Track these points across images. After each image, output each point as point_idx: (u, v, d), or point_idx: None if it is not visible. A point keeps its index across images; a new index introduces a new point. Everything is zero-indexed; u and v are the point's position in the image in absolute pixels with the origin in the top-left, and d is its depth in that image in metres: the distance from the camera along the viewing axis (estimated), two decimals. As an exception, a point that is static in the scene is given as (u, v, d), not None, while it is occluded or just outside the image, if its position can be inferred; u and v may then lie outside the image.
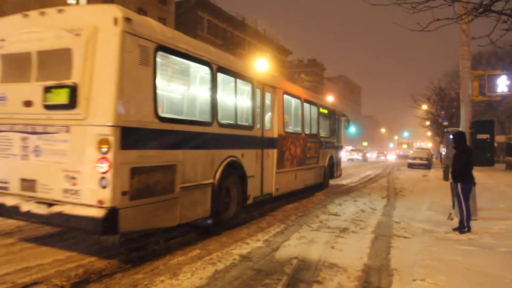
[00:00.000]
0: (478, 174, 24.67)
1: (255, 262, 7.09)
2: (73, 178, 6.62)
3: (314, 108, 15.27)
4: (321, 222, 10.52)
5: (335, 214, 11.68)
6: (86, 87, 6.52)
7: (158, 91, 7.12)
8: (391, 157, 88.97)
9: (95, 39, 6.60)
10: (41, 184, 6.95)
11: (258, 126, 10.71)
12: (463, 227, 9.66)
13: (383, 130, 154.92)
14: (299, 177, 13.61)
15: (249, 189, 10.24)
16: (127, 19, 6.62)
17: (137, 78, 6.73)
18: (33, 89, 6.95)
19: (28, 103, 7.01)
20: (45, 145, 6.93)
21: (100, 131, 6.37)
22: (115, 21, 6.52)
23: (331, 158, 17.50)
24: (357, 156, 62.64)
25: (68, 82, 6.61)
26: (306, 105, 14.44)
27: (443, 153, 34.89)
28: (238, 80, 9.80)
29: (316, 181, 15.89)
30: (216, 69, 8.86)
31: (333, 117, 17.96)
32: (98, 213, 6.28)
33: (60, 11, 7.12)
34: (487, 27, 7.35)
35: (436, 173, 31.24)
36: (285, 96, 12.41)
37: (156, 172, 7.07)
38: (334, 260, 7.24)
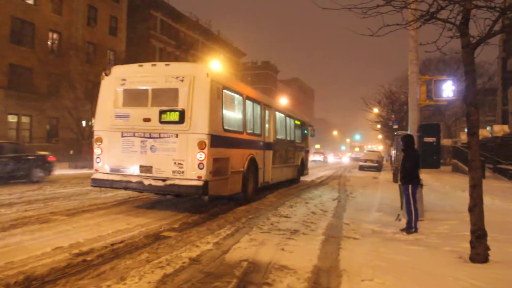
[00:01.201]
0: (426, 176, 25.41)
1: (204, 265, 7.05)
2: (180, 164, 10.92)
3: (292, 121, 20.00)
4: (271, 224, 10.53)
5: (286, 216, 11.74)
6: (189, 111, 10.96)
7: (223, 113, 11.72)
8: (346, 159, 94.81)
9: (193, 83, 11.04)
10: (155, 168, 11.15)
11: (266, 134, 15.52)
12: (410, 228, 9.89)
13: (335, 132, 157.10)
14: (283, 171, 18.21)
15: (259, 176, 14.85)
16: (212, 73, 11.18)
17: (215, 106, 11.21)
18: (150, 111, 11.29)
19: (147, 120, 11.28)
20: (159, 145, 11.15)
21: (199, 137, 10.84)
22: (207, 74, 11.11)
23: (302, 159, 22.10)
24: (319, 157, 69.60)
25: (178, 108, 11.04)
26: (288, 119, 19.15)
27: (393, 155, 35.64)
28: (254, 104, 14.51)
29: (293, 176, 20.60)
30: (245, 97, 13.69)
31: (304, 127, 22.74)
32: (199, 183, 10.71)
33: (167, 64, 11.50)
34: (434, 34, 7.56)
35: (386, 175, 31.80)
36: (276, 112, 17.16)
37: (222, 161, 11.59)
38: (284, 262, 7.26)
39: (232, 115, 12.64)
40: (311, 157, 66.57)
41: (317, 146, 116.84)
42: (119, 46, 45.65)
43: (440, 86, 12.03)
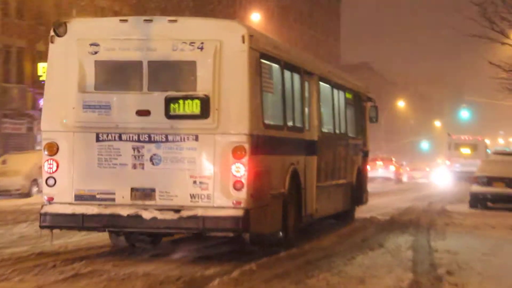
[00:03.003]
0: None
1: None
2: (203, 183, 7.67)
3: (342, 94, 12.51)
4: None
5: None
6: (216, 98, 7.62)
7: (262, 98, 8.32)
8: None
9: (221, 53, 7.66)
10: (161, 192, 7.76)
11: (307, 126, 10.46)
12: None
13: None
14: (332, 196, 11.74)
15: (304, 204, 10.27)
16: (252, 36, 7.83)
17: (255, 89, 7.98)
18: (148, 99, 7.81)
19: (143, 112, 7.75)
20: (166, 153, 7.76)
21: (235, 139, 7.63)
22: (243, 38, 7.68)
23: (358, 171, 13.70)
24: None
25: (198, 93, 7.66)
26: (336, 92, 12.11)
27: None
28: (293, 74, 9.83)
29: (345, 206, 12.71)
30: (283, 64, 9.33)
31: (358, 104, 14.04)
32: (237, 212, 7.53)
33: (172, 21, 8.05)
34: None
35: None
36: (320, 82, 11.16)
37: (263, 178, 8.21)
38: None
39: (271, 99, 9.03)
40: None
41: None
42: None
43: None
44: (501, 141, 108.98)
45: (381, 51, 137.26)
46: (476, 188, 19.19)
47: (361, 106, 14.17)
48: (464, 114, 61.79)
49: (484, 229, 12.84)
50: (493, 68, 22.93)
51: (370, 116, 14.84)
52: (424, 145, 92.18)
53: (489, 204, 19.44)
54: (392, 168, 42.40)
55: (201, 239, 9.34)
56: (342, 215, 12.65)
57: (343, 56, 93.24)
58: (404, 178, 52.37)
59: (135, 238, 8.94)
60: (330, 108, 11.79)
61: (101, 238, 9.50)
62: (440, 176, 52.32)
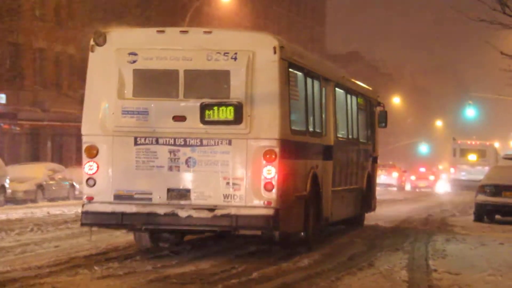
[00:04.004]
0: None
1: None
2: (236, 184, 9.64)
3: (354, 99, 15.13)
4: None
5: None
6: (249, 105, 9.63)
7: (290, 105, 10.40)
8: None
9: (253, 63, 9.67)
10: (196, 192, 9.74)
11: (324, 132, 12.66)
12: None
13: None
14: (345, 201, 14.25)
15: (321, 207, 12.32)
16: (282, 47, 9.88)
17: (285, 97, 10.04)
18: (184, 105, 9.82)
19: (180, 118, 9.74)
20: (201, 157, 9.72)
21: (266, 144, 9.66)
22: (275, 49, 9.71)
23: (368, 176, 16.43)
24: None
25: (231, 100, 9.64)
26: (349, 97, 14.66)
27: None
28: (314, 80, 12.02)
29: (355, 211, 15.40)
30: (306, 72, 11.56)
31: (369, 109, 16.88)
32: (268, 211, 9.56)
33: (207, 32, 10.12)
34: None
35: None
36: (336, 88, 13.44)
37: (291, 180, 10.31)
38: None
39: (296, 106, 11.06)
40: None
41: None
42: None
43: None
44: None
45: (373, 39, 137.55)
46: (483, 198, 19.32)
47: (371, 111, 16.97)
48: (470, 112, 61.17)
49: (491, 246, 13.05)
50: (504, 59, 23.08)
51: (379, 121, 17.43)
52: (423, 148, 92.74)
53: (498, 216, 19.72)
54: (395, 174, 47.56)
55: (216, 239, 11.89)
56: (352, 221, 15.31)
57: (329, 44, 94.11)
58: (407, 187, 57.64)
59: (160, 238, 11.11)
60: (344, 113, 14.08)
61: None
62: (443, 185, 55.09)
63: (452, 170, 55.71)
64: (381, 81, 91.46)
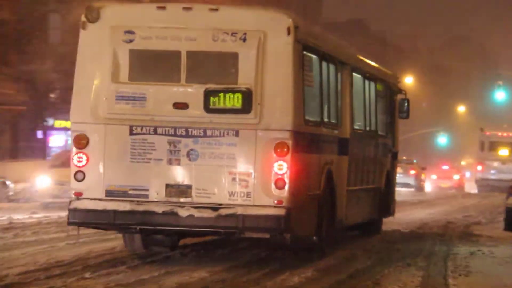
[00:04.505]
0: None
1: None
2: (244, 180, 10.48)
3: (372, 85, 16.13)
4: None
5: None
6: (258, 92, 10.43)
7: (304, 93, 11.32)
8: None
9: (264, 45, 10.47)
10: (198, 189, 10.55)
11: (339, 122, 13.63)
12: None
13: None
14: (361, 202, 15.28)
15: (336, 207, 13.57)
16: (297, 28, 10.64)
17: (298, 83, 10.89)
18: (186, 91, 10.69)
19: (181, 105, 10.57)
20: (204, 149, 10.55)
21: (278, 135, 10.44)
22: (288, 30, 10.47)
23: (388, 175, 17.58)
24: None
25: (239, 86, 10.47)
26: (367, 83, 15.64)
27: None
28: (330, 65, 12.98)
29: (372, 214, 16.43)
30: (322, 55, 12.57)
31: (389, 97, 17.94)
32: (279, 211, 10.31)
33: (212, 10, 10.78)
34: None
35: None
36: (353, 73, 14.54)
37: (303, 176, 11.16)
38: None
39: (311, 93, 11.93)
40: None
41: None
42: None
43: None
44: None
45: (380, 4, 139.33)
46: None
47: (391, 99, 18.01)
48: (500, 95, 61.70)
49: (525, 261, 13.29)
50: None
51: (400, 111, 18.44)
52: (442, 139, 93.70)
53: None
54: (412, 172, 51.29)
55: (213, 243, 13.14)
56: (368, 225, 16.40)
57: (327, 10, 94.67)
58: (428, 187, 60.74)
59: (153, 241, 12.01)
60: (361, 102, 15.06)
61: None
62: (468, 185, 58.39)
63: (479, 167, 57.13)
64: (389, 56, 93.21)
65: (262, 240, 11.92)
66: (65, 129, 59.97)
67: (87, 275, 9.86)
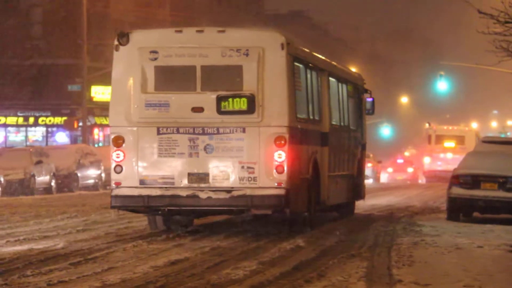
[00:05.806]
0: None
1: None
2: (250, 168, 13.47)
3: (344, 87, 19.46)
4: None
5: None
6: (260, 96, 13.53)
7: (296, 96, 14.57)
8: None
9: (263, 58, 13.52)
10: (214, 176, 13.64)
11: (320, 119, 17.23)
12: None
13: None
14: (338, 186, 18.49)
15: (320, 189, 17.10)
16: (288, 44, 13.85)
17: (291, 88, 14.04)
18: (202, 98, 13.72)
19: (198, 109, 13.64)
20: (218, 143, 13.60)
21: (276, 131, 13.52)
22: (282, 45, 13.61)
23: (358, 163, 20.97)
24: None
25: (245, 92, 13.52)
26: (340, 85, 19.08)
27: None
28: (312, 72, 16.43)
29: (347, 197, 19.81)
30: (307, 65, 16.12)
31: (357, 96, 21.26)
32: (279, 191, 13.46)
33: (221, 31, 13.98)
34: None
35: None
36: (329, 77, 17.97)
37: (297, 163, 14.29)
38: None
39: (300, 96, 14.94)
40: None
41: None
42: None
43: None
44: (494, 124, 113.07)
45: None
46: (457, 191, 19.47)
47: (359, 98, 21.59)
48: (442, 85, 62.01)
49: (468, 250, 13.37)
50: (482, 18, 23.28)
51: (367, 108, 22.24)
52: (385, 130, 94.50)
53: (476, 213, 20.22)
54: (369, 165, 53.15)
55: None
56: (343, 207, 19.90)
57: (268, 3, 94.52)
58: (383, 179, 65.75)
59: (172, 221, 14.98)
60: (336, 101, 18.47)
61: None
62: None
63: (427, 159, 58.14)
64: (332, 47, 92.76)
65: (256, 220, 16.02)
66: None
67: (28, 272, 9.84)
